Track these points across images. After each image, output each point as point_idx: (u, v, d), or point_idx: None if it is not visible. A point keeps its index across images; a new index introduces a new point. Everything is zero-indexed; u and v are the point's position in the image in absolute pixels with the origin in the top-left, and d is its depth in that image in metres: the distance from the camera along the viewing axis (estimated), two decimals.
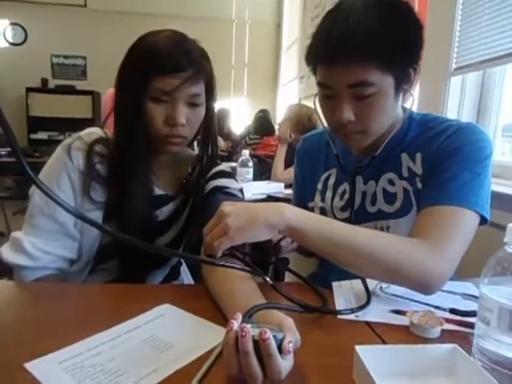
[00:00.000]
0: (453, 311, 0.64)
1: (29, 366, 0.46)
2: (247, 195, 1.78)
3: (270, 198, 2.00)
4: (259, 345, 0.41)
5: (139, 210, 0.82)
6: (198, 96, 0.80)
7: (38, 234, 0.77)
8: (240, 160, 2.14)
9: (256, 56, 6.00)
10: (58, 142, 0.83)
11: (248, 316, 0.49)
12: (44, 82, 5.59)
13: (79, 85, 5.69)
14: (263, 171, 2.63)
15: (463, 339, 0.54)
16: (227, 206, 0.61)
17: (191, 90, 0.77)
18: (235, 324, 0.43)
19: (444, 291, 0.69)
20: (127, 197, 0.81)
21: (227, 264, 0.59)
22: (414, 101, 0.81)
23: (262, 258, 0.82)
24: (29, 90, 5.45)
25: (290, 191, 1.93)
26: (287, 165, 2.36)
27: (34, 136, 5.46)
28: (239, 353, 0.41)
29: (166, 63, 0.75)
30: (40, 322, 0.58)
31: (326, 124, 0.82)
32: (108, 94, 2.74)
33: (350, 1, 0.75)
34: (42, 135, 5.47)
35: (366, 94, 0.70)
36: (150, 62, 0.75)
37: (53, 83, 5.64)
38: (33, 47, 5.57)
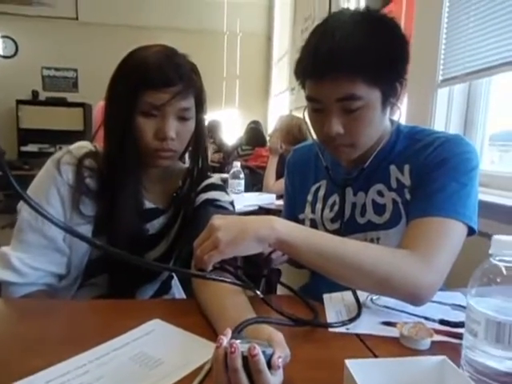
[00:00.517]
0: (442, 322, 0.64)
1: None
2: (239, 207, 1.78)
3: (262, 210, 2.00)
4: (248, 361, 0.40)
5: (129, 223, 0.81)
6: (188, 110, 0.80)
7: (27, 249, 0.76)
8: (231, 172, 2.14)
9: (247, 68, 6.06)
10: (49, 154, 0.83)
11: (238, 331, 0.49)
12: (35, 94, 5.57)
13: (70, 97, 5.68)
14: (255, 182, 2.63)
15: (453, 350, 0.54)
16: (217, 220, 0.61)
17: (181, 104, 0.78)
18: (224, 340, 0.43)
19: (433, 302, 0.70)
20: (117, 211, 0.80)
21: (217, 277, 0.59)
22: (401, 113, 0.82)
23: (253, 270, 0.81)
24: (19, 102, 5.42)
25: (281, 202, 1.93)
26: (278, 176, 2.37)
27: (24, 148, 5.41)
28: (228, 369, 0.41)
29: (156, 78, 0.75)
30: (27, 340, 0.57)
31: (315, 136, 0.83)
32: (98, 106, 2.74)
33: (337, 16, 0.77)
34: (32, 147, 5.42)
35: (354, 108, 0.72)
36: (139, 77, 0.76)
37: (43, 95, 5.62)
38: (23, 60, 5.56)
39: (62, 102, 5.58)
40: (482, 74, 1.52)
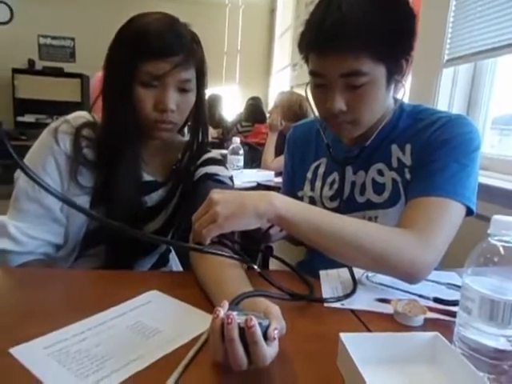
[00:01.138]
0: (436, 300, 0.65)
1: (14, 351, 0.46)
2: (238, 183, 1.78)
3: (260, 186, 2.00)
4: (245, 332, 0.41)
5: (127, 195, 0.81)
6: (189, 82, 0.78)
7: (24, 218, 0.76)
8: (231, 148, 2.13)
9: (249, 42, 5.92)
10: (46, 125, 0.81)
11: (235, 303, 0.49)
12: (31, 63, 5.45)
13: (67, 67, 5.56)
14: (254, 159, 2.62)
15: (445, 327, 0.55)
16: (216, 194, 0.61)
17: (182, 75, 0.76)
18: (221, 311, 0.43)
19: (429, 281, 0.71)
20: (115, 182, 0.80)
21: (215, 251, 0.59)
22: (405, 92, 0.81)
23: (250, 245, 0.82)
24: (15, 71, 5.31)
25: (280, 179, 1.92)
26: (278, 153, 2.35)
27: (20, 118, 5.33)
28: (225, 339, 0.41)
29: (156, 47, 0.73)
30: (25, 308, 0.58)
31: (316, 113, 0.82)
32: (96, 77, 2.68)
33: None
34: (29, 118, 5.34)
35: (359, 84, 0.70)
36: (139, 45, 0.74)
37: (40, 65, 5.50)
38: (19, 27, 5.40)
39: (59, 73, 5.47)
40: (487, 54, 1.50)
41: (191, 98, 0.81)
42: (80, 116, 0.82)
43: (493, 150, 1.66)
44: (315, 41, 0.71)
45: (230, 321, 0.41)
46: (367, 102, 0.73)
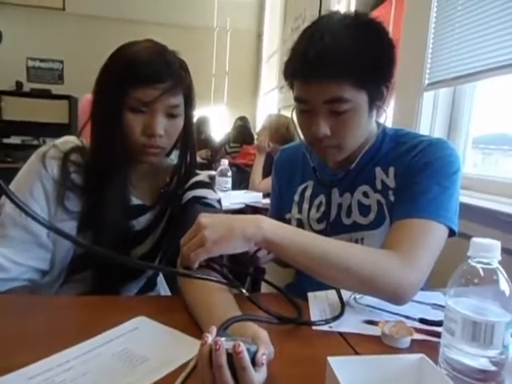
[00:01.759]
0: (422, 321, 0.66)
1: None
2: (225, 204, 1.78)
3: (249, 208, 2.01)
4: (233, 358, 0.41)
5: (115, 219, 0.81)
6: (177, 107, 0.80)
7: (10, 244, 0.75)
8: (219, 169, 2.14)
9: (237, 65, 6.04)
10: (32, 146, 0.82)
11: (223, 328, 0.49)
12: (19, 85, 5.44)
13: (55, 89, 5.56)
14: (242, 180, 2.64)
15: (431, 349, 0.56)
16: (205, 218, 0.61)
17: (170, 101, 0.78)
18: (209, 337, 0.43)
19: (415, 301, 0.71)
20: (103, 206, 0.80)
21: (203, 276, 0.59)
22: (387, 116, 0.84)
23: (239, 269, 0.82)
24: (2, 93, 5.29)
25: (268, 201, 1.94)
26: (265, 174, 2.37)
27: (6, 140, 5.27)
28: (213, 366, 0.41)
29: (146, 74, 0.75)
30: (9, 336, 0.56)
31: (302, 137, 0.84)
32: (84, 100, 2.69)
33: (326, 19, 0.78)
34: (15, 140, 5.29)
35: (342, 110, 0.73)
36: (129, 72, 0.75)
37: (28, 87, 5.50)
38: (7, 49, 5.40)
39: (46, 94, 5.46)
40: (466, 79, 1.56)
41: (179, 122, 0.83)
42: (68, 141, 0.83)
43: (476, 168, 1.71)
44: (300, 69, 0.74)
45: (218, 347, 0.41)
46: (350, 127, 0.75)
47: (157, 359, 0.52)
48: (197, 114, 0.90)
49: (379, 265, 0.65)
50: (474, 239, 0.47)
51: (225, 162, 2.17)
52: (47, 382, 0.46)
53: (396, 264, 0.66)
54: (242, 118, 3.83)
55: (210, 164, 3.66)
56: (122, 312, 0.64)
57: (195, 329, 0.59)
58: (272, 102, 4.96)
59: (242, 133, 3.69)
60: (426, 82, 1.77)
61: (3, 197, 0.75)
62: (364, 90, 0.73)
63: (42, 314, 0.66)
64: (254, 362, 0.42)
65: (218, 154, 3.62)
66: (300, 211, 0.94)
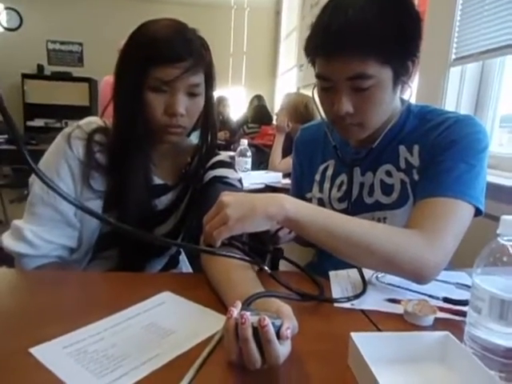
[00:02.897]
0: (446, 300, 0.65)
1: (34, 350, 0.47)
2: (245, 184, 1.79)
3: (268, 188, 2.01)
4: (258, 331, 0.42)
5: (138, 199, 0.83)
6: (198, 86, 0.80)
7: (39, 222, 0.78)
8: (238, 150, 2.14)
9: (255, 44, 5.94)
10: (55, 129, 0.84)
11: (247, 304, 0.50)
12: (40, 68, 5.53)
13: (76, 71, 5.63)
14: (261, 160, 2.63)
15: (455, 327, 0.55)
16: (227, 196, 0.62)
17: (191, 79, 0.77)
18: (235, 311, 0.44)
19: (438, 281, 0.71)
20: (126, 186, 0.81)
21: (226, 253, 0.60)
22: (412, 93, 0.81)
23: (259, 247, 0.83)
24: (24, 76, 5.39)
25: (288, 181, 1.93)
26: (285, 154, 2.36)
27: (30, 123, 5.42)
28: (239, 339, 0.42)
29: (166, 53, 0.75)
30: (42, 309, 0.59)
31: (324, 115, 0.82)
32: (104, 81, 2.71)
33: None
34: (38, 122, 5.42)
35: (365, 87, 0.71)
36: (149, 52, 0.75)
37: (49, 70, 5.58)
38: (28, 32, 5.48)
39: (67, 77, 5.54)
40: (495, 53, 1.49)
41: (200, 101, 0.82)
42: (92, 122, 0.84)
43: (501, 148, 1.65)
44: (321, 45, 0.72)
45: (243, 320, 0.42)
46: (374, 104, 0.73)
47: (183, 332, 0.53)
48: (215, 94, 0.90)
49: (402, 244, 0.64)
50: (505, 216, 0.45)
51: (244, 142, 2.17)
52: (80, 352, 0.48)
53: (419, 243, 0.65)
54: (259, 97, 3.79)
55: (228, 145, 3.66)
56: (148, 287, 0.66)
57: (218, 304, 0.60)
58: (290, 81, 4.88)
59: (260, 113, 3.66)
60: (453, 56, 1.70)
61: (32, 176, 0.77)
62: (389, 65, 0.70)
63: (73, 289, 0.69)
64: (278, 336, 0.43)
65: (237, 135, 3.61)
66: (321, 190, 0.94)
